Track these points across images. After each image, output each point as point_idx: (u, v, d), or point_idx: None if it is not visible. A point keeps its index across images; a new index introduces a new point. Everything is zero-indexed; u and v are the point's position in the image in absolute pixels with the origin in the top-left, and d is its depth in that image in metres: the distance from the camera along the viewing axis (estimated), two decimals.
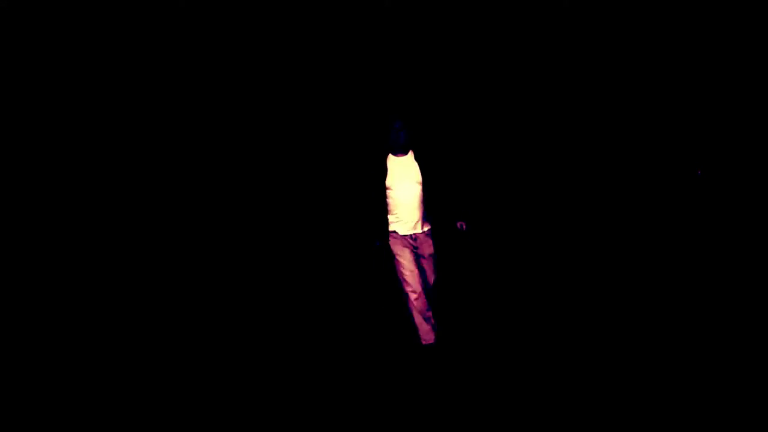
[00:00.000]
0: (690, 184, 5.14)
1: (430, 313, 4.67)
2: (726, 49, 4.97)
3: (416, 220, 4.57)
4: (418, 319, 4.65)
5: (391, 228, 4.69)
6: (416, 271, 4.60)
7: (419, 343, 4.63)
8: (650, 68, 5.10)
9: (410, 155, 4.60)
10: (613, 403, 3.38)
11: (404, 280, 4.63)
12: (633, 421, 3.20)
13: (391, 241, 4.67)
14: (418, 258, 4.64)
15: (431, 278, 4.77)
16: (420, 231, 4.59)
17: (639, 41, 5.09)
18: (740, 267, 4.83)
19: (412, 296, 4.61)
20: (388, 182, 4.64)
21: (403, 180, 4.57)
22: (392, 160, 4.63)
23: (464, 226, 4.65)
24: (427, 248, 4.64)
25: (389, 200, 4.63)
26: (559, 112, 5.24)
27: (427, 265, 4.69)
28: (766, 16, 4.83)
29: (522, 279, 5.31)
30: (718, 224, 5.04)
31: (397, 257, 4.64)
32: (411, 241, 4.61)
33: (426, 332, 4.63)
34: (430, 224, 4.63)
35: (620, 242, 5.15)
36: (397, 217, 4.65)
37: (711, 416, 3.17)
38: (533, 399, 3.54)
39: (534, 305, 4.85)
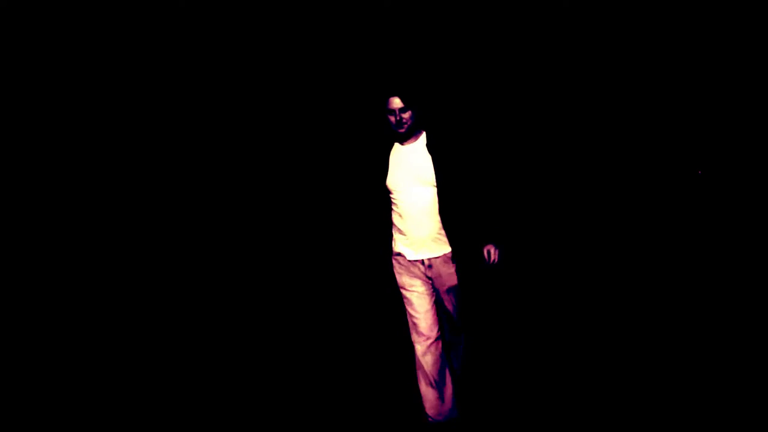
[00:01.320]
0: (690, 184, 5.14)
1: (446, 380, 3.30)
2: (726, 50, 4.96)
3: (431, 237, 3.19)
4: (424, 384, 3.28)
5: (395, 248, 3.28)
6: (432, 311, 3.27)
7: (424, 419, 3.31)
8: (650, 68, 5.09)
9: (420, 142, 3.20)
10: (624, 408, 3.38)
11: (412, 324, 3.28)
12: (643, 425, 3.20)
13: (396, 269, 3.30)
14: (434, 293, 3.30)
15: (452, 327, 3.38)
16: (437, 255, 3.20)
17: (639, 41, 5.09)
18: (740, 267, 4.84)
19: (419, 348, 3.26)
20: (390, 182, 3.21)
21: (412, 178, 3.18)
22: (397, 152, 3.24)
23: (494, 254, 3.20)
24: (448, 280, 3.24)
25: (393, 208, 3.26)
26: (556, 112, 5.23)
27: (447, 305, 3.30)
28: (766, 16, 4.83)
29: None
30: (718, 224, 5.04)
31: (404, 292, 3.30)
32: (423, 269, 3.23)
33: (432, 405, 3.28)
34: (453, 244, 3.20)
35: (620, 242, 5.15)
36: (404, 234, 3.24)
37: (712, 416, 3.18)
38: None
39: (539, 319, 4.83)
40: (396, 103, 3.10)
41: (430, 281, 3.26)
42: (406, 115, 3.11)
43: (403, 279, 3.29)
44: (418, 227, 3.20)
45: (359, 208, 3.33)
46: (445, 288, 3.25)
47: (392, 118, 3.13)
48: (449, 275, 3.23)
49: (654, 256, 5.05)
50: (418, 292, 3.26)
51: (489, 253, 3.20)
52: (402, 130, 3.13)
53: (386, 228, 3.26)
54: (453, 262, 3.20)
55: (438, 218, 3.18)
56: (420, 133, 3.23)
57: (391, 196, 3.25)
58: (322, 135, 4.88)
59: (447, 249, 3.21)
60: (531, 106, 5.07)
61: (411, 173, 3.20)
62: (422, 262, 3.24)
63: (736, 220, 5.01)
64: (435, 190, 3.17)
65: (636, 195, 5.16)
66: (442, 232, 3.20)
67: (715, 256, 4.96)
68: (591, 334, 4.23)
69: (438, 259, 3.21)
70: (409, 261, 3.23)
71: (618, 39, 5.09)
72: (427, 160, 3.18)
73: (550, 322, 4.48)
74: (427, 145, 3.21)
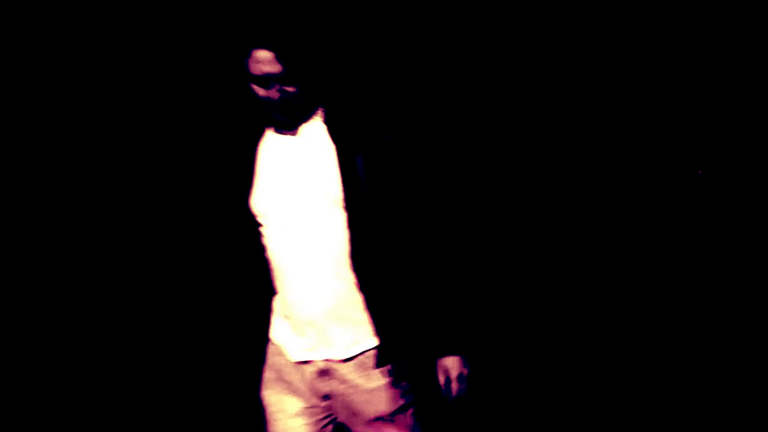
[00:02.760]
0: (690, 184, 5.13)
1: None
2: (726, 49, 4.97)
3: (332, 314, 1.67)
4: None
5: (272, 330, 1.81)
6: None
7: None
8: (650, 68, 5.09)
9: (315, 128, 1.72)
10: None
11: None
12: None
13: (267, 363, 1.83)
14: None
15: None
16: (342, 357, 1.71)
17: (639, 41, 5.09)
18: (740, 267, 4.83)
19: None
20: (258, 202, 1.74)
21: (298, 194, 1.70)
22: (270, 146, 1.77)
23: (456, 377, 1.71)
24: (365, 405, 1.70)
25: (266, 252, 1.77)
26: (556, 112, 5.22)
27: None
28: (766, 16, 4.83)
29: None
30: (718, 224, 5.04)
31: (268, 410, 1.83)
32: (312, 378, 1.73)
33: None
34: (382, 329, 1.67)
35: (620, 242, 5.15)
36: (281, 305, 1.78)
37: (711, 416, 3.17)
38: None
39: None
40: (264, 62, 1.54)
41: (325, 402, 1.74)
42: (291, 89, 1.58)
43: (269, 390, 1.78)
44: (307, 292, 1.65)
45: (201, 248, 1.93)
46: (361, 421, 1.69)
47: (261, 92, 1.60)
48: (367, 395, 1.66)
49: (654, 258, 5.05)
50: (291, 416, 1.72)
51: (448, 375, 1.71)
52: (283, 115, 1.63)
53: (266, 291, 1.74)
54: (380, 368, 1.66)
55: (347, 275, 1.65)
56: (315, 113, 1.71)
57: (260, 228, 1.72)
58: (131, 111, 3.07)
59: (366, 341, 1.68)
60: (506, 94, 3.78)
61: (296, 184, 1.67)
62: (312, 367, 1.72)
63: (736, 221, 5.01)
64: (340, 217, 1.65)
65: (635, 195, 5.16)
66: (357, 304, 1.65)
67: (716, 256, 4.96)
68: (595, 341, 4.23)
69: (347, 364, 1.68)
70: (289, 360, 1.73)
71: (617, 40, 5.09)
72: (327, 160, 1.65)
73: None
74: (329, 130, 1.68)
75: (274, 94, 1.60)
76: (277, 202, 1.71)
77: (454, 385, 1.72)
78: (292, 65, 1.56)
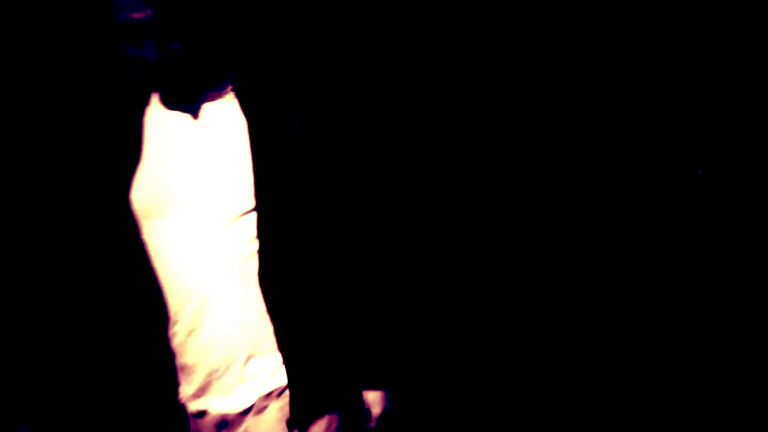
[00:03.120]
0: (690, 184, 5.11)
1: None
2: (726, 49, 4.94)
3: (227, 351, 1.21)
4: None
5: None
6: None
7: None
8: (650, 68, 5.09)
9: (227, 101, 1.24)
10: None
11: None
12: None
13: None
14: None
15: None
16: (239, 407, 1.25)
17: (639, 41, 5.09)
18: (740, 267, 4.80)
19: None
20: (140, 197, 1.22)
21: (190, 191, 1.20)
22: (162, 121, 1.24)
23: (376, 412, 1.40)
24: None
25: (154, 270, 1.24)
26: (557, 112, 5.24)
27: None
28: (766, 16, 4.79)
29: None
30: (718, 224, 5.01)
31: None
32: None
33: None
34: (292, 370, 1.25)
35: (619, 243, 5.15)
36: (172, 336, 1.28)
37: (711, 417, 3.17)
38: None
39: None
40: (128, 5, 1.12)
41: None
42: (171, 45, 1.15)
43: None
44: (201, 316, 1.23)
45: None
46: None
47: (133, 50, 1.17)
48: None
49: (653, 259, 5.04)
50: None
51: (368, 409, 1.42)
52: (169, 82, 1.22)
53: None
54: (293, 422, 1.26)
55: (254, 296, 1.23)
56: (226, 83, 1.29)
57: (142, 234, 1.27)
58: None
59: (273, 381, 1.27)
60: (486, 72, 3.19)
61: (194, 173, 1.24)
62: (204, 415, 1.30)
63: (736, 221, 4.98)
64: (252, 217, 1.22)
65: (635, 195, 5.16)
66: (265, 334, 1.25)
67: (716, 256, 4.94)
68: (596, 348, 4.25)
69: (247, 416, 1.27)
70: (190, 412, 1.32)
71: (617, 39, 5.09)
72: (235, 140, 1.23)
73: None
74: (240, 104, 1.24)
75: (149, 52, 1.13)
76: (167, 197, 1.23)
77: (372, 424, 1.43)
78: (165, 10, 1.09)
